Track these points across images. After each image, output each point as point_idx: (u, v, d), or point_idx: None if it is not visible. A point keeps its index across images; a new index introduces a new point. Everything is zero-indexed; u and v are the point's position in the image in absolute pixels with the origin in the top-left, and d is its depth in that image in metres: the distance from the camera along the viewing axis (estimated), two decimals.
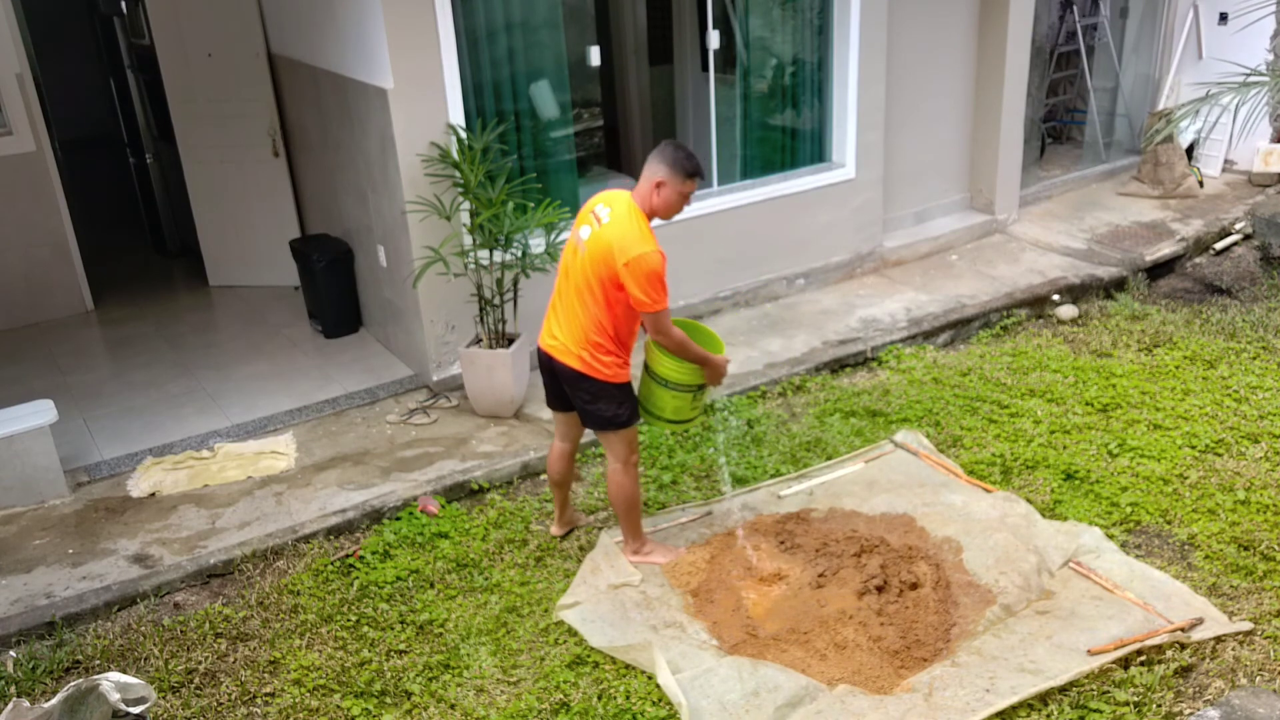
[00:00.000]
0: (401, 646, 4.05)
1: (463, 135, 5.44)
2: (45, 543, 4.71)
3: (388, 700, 3.79)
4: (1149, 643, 3.78)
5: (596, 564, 4.39)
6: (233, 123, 6.89)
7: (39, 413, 4.95)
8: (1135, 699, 3.59)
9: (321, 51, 6.03)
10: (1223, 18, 8.56)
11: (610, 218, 3.94)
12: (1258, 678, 3.68)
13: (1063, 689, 3.63)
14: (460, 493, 5.02)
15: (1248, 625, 3.90)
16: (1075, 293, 6.99)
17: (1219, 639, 3.85)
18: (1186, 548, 4.41)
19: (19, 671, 3.94)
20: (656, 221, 4.00)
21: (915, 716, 3.54)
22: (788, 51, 6.93)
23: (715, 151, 6.73)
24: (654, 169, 3.93)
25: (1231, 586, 4.14)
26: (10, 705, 3.19)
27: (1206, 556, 4.33)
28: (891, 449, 5.23)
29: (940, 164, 7.75)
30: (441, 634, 4.10)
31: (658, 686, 3.73)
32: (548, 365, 4.21)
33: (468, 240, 5.46)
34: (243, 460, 5.26)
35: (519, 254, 5.40)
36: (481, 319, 5.51)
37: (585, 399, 4.13)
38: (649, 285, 3.86)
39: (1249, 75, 6.28)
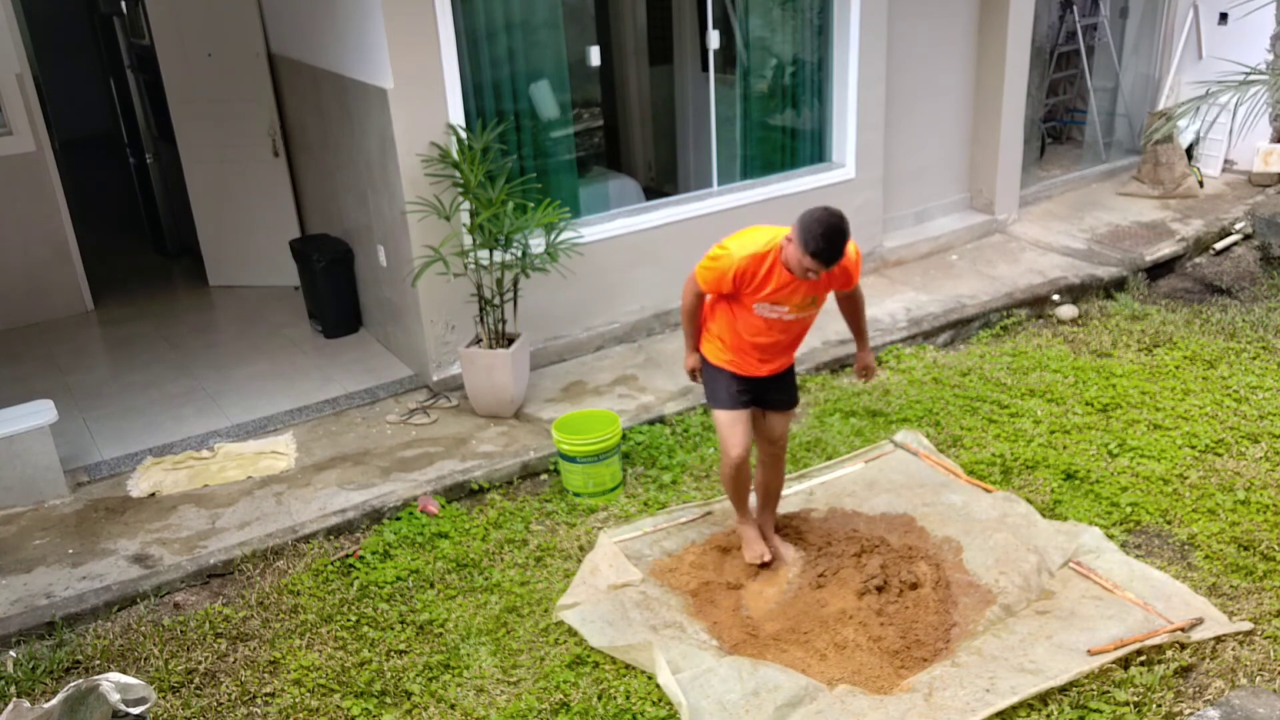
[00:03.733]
0: (401, 646, 4.05)
1: (463, 135, 5.44)
2: (45, 543, 4.71)
3: (388, 700, 3.79)
4: (1149, 643, 3.78)
5: (596, 564, 4.39)
6: (233, 123, 6.89)
7: (39, 413, 4.95)
8: (1135, 699, 3.59)
9: (321, 51, 6.03)
10: (1223, 18, 8.56)
11: None
12: (1258, 678, 3.68)
13: (1063, 689, 3.63)
14: (460, 493, 5.02)
15: (1248, 625, 3.89)
16: (1075, 293, 6.99)
17: (1219, 639, 3.84)
18: (1186, 548, 4.41)
19: (19, 671, 3.94)
20: None
21: (915, 716, 3.54)
22: (788, 51, 6.93)
23: (715, 151, 6.73)
24: (795, 224, 3.75)
25: (1231, 586, 4.14)
26: (10, 705, 3.19)
27: (1206, 556, 4.33)
28: (891, 449, 5.23)
29: (940, 164, 7.74)
30: (441, 634, 4.10)
31: (658, 686, 3.73)
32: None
33: (468, 240, 5.45)
34: (243, 460, 5.26)
35: (519, 254, 5.39)
36: (481, 319, 5.51)
37: None
38: (706, 257, 4.01)
39: (1249, 74, 6.29)
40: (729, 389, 4.14)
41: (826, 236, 3.64)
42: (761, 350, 4.09)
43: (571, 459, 4.87)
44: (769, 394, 4.24)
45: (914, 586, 4.17)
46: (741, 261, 3.87)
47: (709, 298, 4.13)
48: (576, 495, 4.92)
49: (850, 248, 3.89)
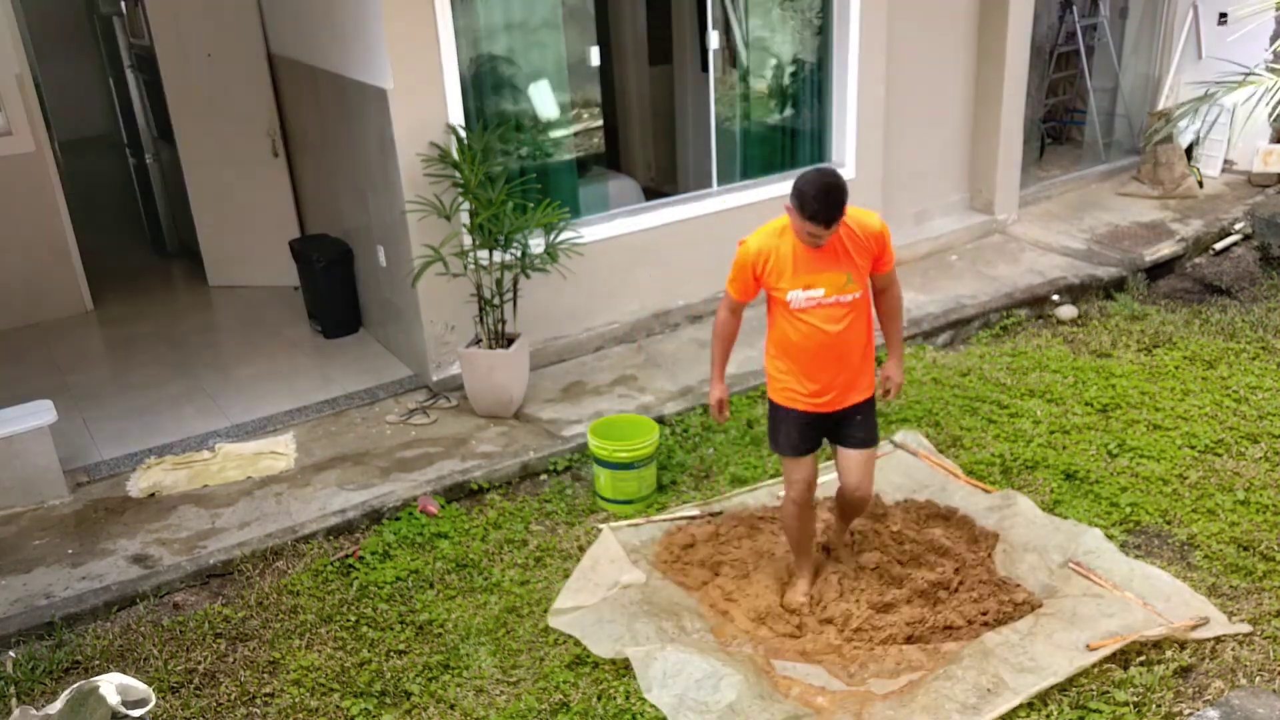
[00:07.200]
0: (401, 646, 4.05)
1: (463, 135, 5.44)
2: (45, 543, 4.71)
3: (387, 700, 3.79)
4: (1147, 634, 3.78)
5: (597, 560, 4.38)
6: (233, 123, 6.89)
7: (39, 413, 4.95)
8: (1135, 699, 3.59)
9: (321, 52, 6.03)
10: (1222, 17, 8.56)
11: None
12: (1258, 678, 3.68)
13: (1063, 688, 3.63)
14: (460, 493, 5.02)
15: (1247, 627, 3.89)
16: (1075, 293, 6.99)
17: (1219, 639, 3.84)
18: (1186, 548, 4.41)
19: (18, 672, 3.94)
20: None
21: (914, 717, 3.54)
22: (788, 51, 6.93)
23: (715, 151, 6.72)
24: (791, 191, 3.60)
25: (1231, 586, 4.14)
26: (17, 712, 3.18)
27: (1206, 556, 4.33)
28: (891, 449, 5.23)
29: (940, 164, 7.74)
30: (441, 634, 4.10)
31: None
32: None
33: (467, 240, 5.46)
34: (242, 460, 5.26)
35: (519, 254, 5.40)
36: (481, 319, 5.51)
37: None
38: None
39: (1247, 75, 6.29)
40: (789, 437, 3.91)
41: (819, 196, 3.47)
42: (817, 362, 3.77)
43: (603, 463, 4.80)
44: (840, 427, 3.92)
45: (931, 586, 4.17)
46: (757, 244, 3.73)
47: (749, 308, 3.90)
48: (602, 499, 4.88)
49: (872, 220, 3.73)
